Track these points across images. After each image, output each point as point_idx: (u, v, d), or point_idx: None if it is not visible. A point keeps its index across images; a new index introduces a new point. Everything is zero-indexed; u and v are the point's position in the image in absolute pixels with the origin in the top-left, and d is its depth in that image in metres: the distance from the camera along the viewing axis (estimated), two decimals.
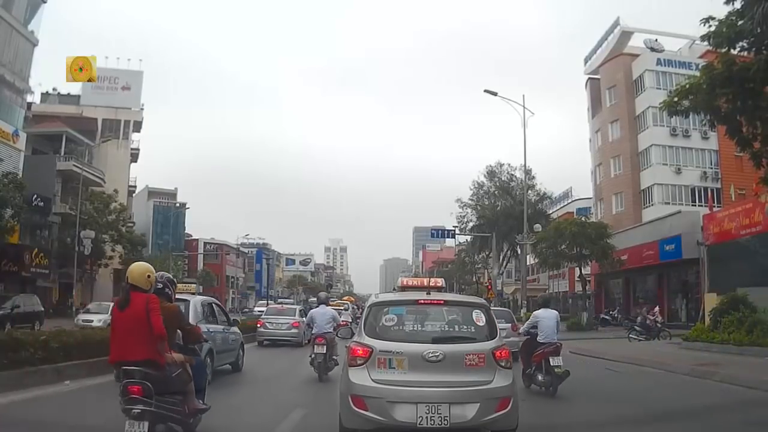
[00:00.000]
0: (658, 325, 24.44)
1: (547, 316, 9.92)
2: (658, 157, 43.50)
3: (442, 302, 6.10)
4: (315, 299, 14.53)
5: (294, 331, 19.65)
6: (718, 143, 41.59)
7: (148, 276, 5.48)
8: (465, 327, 5.80)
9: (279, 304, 31.69)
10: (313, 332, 11.68)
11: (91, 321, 22.36)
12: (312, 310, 12.38)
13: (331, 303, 15.02)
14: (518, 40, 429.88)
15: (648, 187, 43.90)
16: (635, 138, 45.09)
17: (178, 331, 5.86)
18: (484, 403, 5.28)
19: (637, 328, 24.05)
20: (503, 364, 5.53)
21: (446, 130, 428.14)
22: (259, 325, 20.30)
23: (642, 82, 45.33)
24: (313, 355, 11.30)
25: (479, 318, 5.79)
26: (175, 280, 6.51)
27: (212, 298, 13.07)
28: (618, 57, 47.53)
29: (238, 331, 12.95)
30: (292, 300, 44.66)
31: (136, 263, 5.79)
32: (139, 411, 4.98)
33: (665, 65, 44.70)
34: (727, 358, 14.05)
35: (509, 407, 5.38)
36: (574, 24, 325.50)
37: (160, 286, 5.81)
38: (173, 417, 5.34)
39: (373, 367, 5.43)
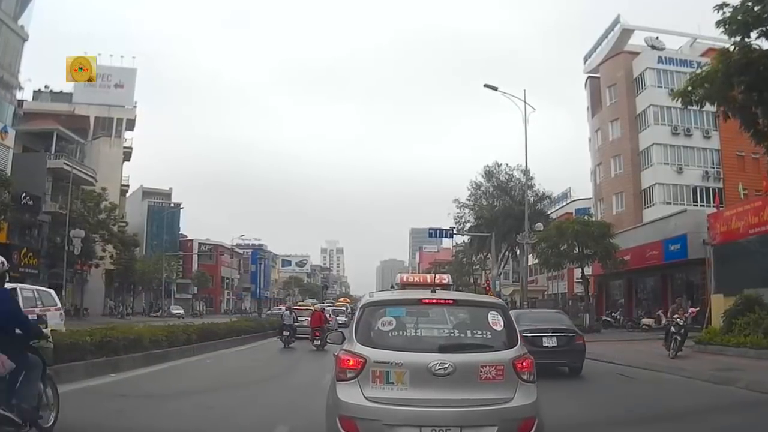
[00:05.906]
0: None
1: None
2: (659, 157, 42.76)
3: (451, 302, 5.04)
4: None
5: (329, 323, 29.28)
6: (720, 142, 41.03)
7: (317, 308, 24.05)
8: (479, 332, 4.77)
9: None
10: None
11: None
12: None
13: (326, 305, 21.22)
14: (517, 41, 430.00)
15: (649, 187, 43.18)
16: (636, 137, 44.37)
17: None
18: (503, 425, 4.34)
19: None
20: (525, 377, 4.58)
21: (444, 131, 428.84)
22: None
23: (643, 80, 44.62)
24: None
25: (496, 321, 4.78)
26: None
27: None
28: (618, 55, 46.85)
29: None
30: (330, 303, 53.11)
31: (317, 304, 31.15)
32: (318, 338, 19.58)
33: (666, 63, 44.00)
34: (747, 363, 13.27)
35: (533, 430, 4.45)
36: (572, 25, 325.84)
37: (319, 308, 23.83)
38: (325, 342, 18.05)
39: (366, 382, 4.47)
